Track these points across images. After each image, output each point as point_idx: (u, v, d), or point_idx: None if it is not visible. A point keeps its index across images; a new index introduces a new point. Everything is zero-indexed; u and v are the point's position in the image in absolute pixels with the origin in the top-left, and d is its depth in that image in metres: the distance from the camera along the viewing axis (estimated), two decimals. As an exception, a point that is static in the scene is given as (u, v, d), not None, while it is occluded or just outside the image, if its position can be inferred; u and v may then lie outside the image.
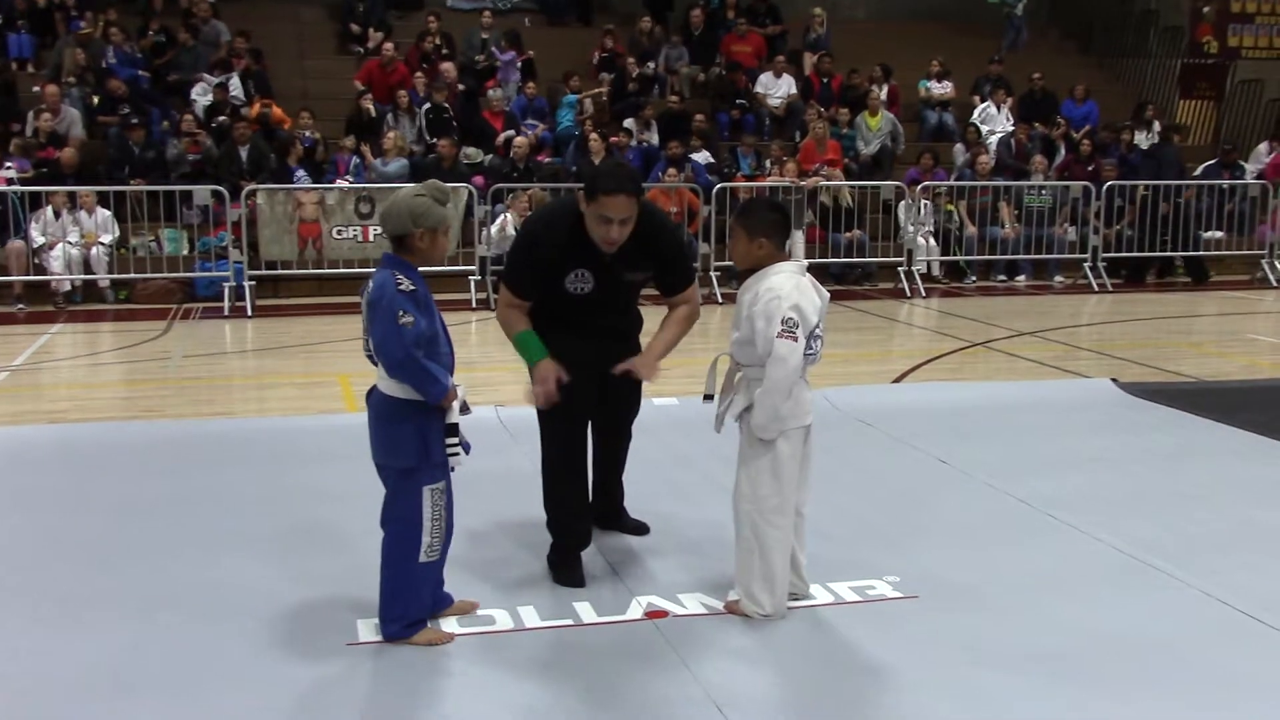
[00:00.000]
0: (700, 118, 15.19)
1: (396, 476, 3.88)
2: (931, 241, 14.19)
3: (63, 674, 3.76)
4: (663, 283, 4.57)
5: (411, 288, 3.75)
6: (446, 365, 3.86)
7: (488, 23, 16.66)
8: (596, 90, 15.66)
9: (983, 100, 16.86)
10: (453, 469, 3.93)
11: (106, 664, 3.82)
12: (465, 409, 3.92)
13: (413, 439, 3.82)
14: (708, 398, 4.46)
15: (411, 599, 3.95)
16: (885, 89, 16.51)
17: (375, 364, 3.87)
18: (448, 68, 15.47)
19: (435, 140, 14.10)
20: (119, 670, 3.78)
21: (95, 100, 14.32)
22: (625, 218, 4.18)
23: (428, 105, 14.73)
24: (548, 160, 14.52)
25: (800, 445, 4.15)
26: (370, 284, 3.80)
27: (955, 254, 14.28)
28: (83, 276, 12.35)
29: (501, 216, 12.68)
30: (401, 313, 3.69)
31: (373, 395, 3.91)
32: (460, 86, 15.42)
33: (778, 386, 3.98)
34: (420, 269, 3.85)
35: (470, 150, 14.33)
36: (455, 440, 3.87)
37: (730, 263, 12.87)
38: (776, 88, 16.47)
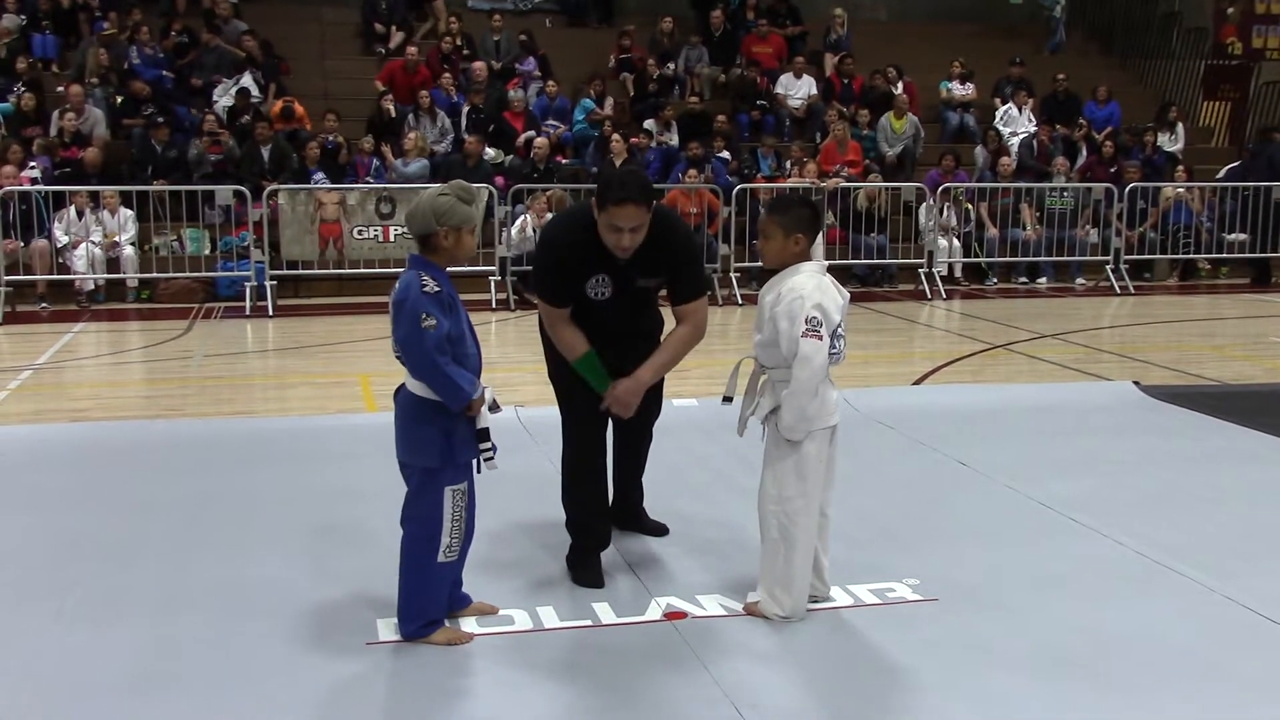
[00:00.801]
0: (721, 118, 15.19)
1: (419, 476, 3.89)
2: (954, 243, 14.16)
3: (84, 672, 3.78)
4: (672, 289, 4.53)
5: (436, 289, 3.75)
6: (473, 366, 3.87)
7: (498, 25, 16.69)
8: (619, 106, 15.69)
9: (1004, 102, 16.80)
10: (479, 471, 3.94)
11: (127, 663, 3.84)
12: (495, 407, 3.93)
13: (437, 439, 3.82)
14: (727, 400, 4.46)
15: (429, 598, 3.96)
16: (900, 86, 16.47)
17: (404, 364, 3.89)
18: (479, 67, 15.52)
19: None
20: (139, 669, 3.79)
21: (119, 100, 14.41)
22: (635, 226, 4.17)
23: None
24: (568, 161, 14.54)
25: (826, 446, 4.15)
26: (396, 285, 3.81)
27: (976, 256, 14.25)
28: (106, 276, 12.42)
29: (521, 218, 12.70)
30: (424, 315, 3.70)
31: (400, 393, 3.92)
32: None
33: (804, 386, 3.97)
34: (445, 269, 3.86)
35: (491, 151, 14.37)
36: (489, 445, 3.88)
37: (751, 264, 12.97)
38: (797, 89, 16.44)
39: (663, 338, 4.58)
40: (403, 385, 3.92)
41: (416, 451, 3.88)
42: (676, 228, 4.55)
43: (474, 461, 3.94)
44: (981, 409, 7.38)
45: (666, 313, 4.72)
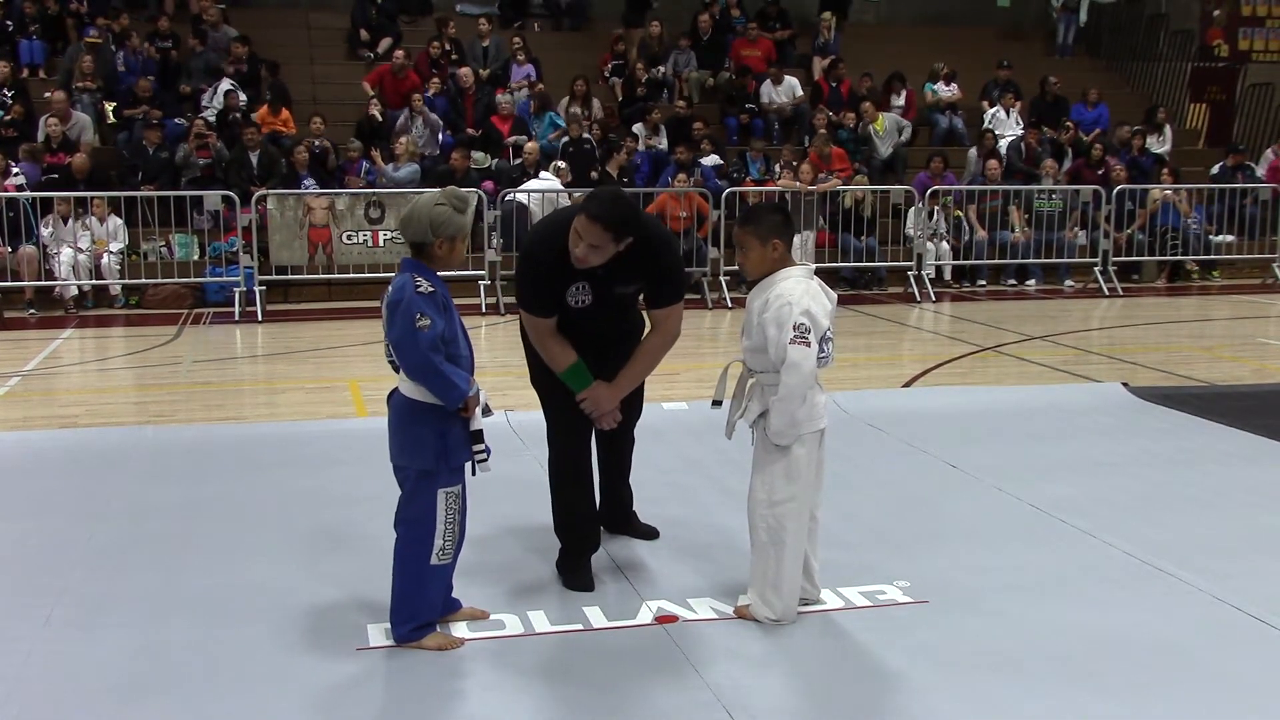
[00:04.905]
0: (699, 125, 15.14)
1: (414, 478, 3.90)
2: (944, 245, 14.18)
3: (74, 678, 3.77)
4: (649, 294, 4.56)
5: (431, 290, 3.77)
6: (465, 366, 3.89)
7: (485, 30, 16.69)
8: (608, 110, 15.73)
9: (991, 105, 16.84)
10: (473, 474, 3.95)
11: (118, 668, 3.83)
12: (487, 410, 3.94)
13: (433, 442, 3.83)
14: (716, 403, 4.47)
15: (422, 601, 3.96)
16: (903, 95, 16.53)
17: (397, 370, 3.90)
18: (465, 72, 15.52)
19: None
20: (130, 675, 3.79)
21: (109, 106, 14.37)
22: (593, 244, 4.17)
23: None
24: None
25: (815, 449, 4.15)
26: (390, 287, 3.82)
27: (965, 259, 14.27)
28: (93, 282, 12.39)
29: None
30: (419, 315, 3.71)
31: (394, 397, 3.93)
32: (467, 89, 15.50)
33: (793, 392, 3.98)
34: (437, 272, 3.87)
35: (478, 155, 14.36)
36: (482, 446, 3.89)
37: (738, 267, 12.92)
38: (779, 94, 16.45)
39: (634, 354, 4.58)
40: (396, 389, 3.92)
41: (412, 454, 3.88)
42: (657, 234, 4.54)
43: (467, 464, 3.94)
44: (971, 411, 7.40)
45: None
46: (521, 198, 13.01)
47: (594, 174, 14.05)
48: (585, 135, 14.46)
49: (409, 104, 14.68)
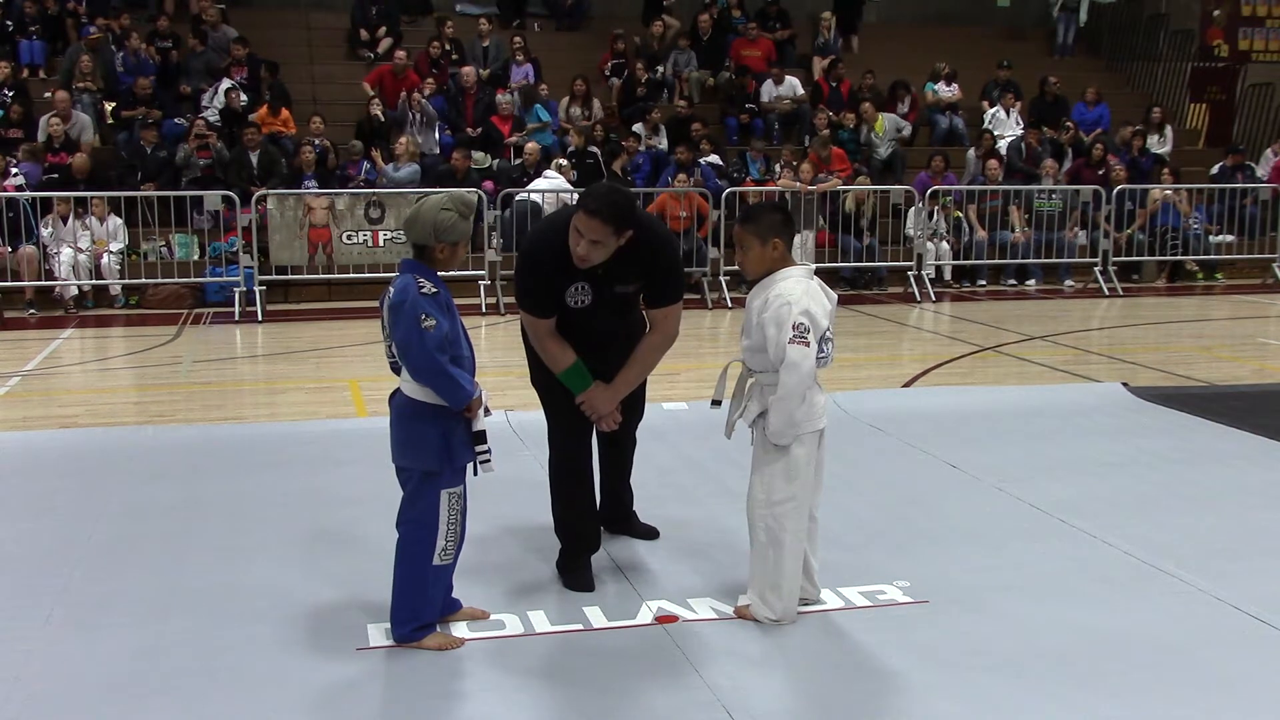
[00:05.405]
0: (698, 126, 15.12)
1: (417, 479, 3.90)
2: (944, 245, 14.17)
3: (75, 677, 3.77)
4: (648, 293, 4.55)
5: (434, 290, 3.78)
6: (467, 367, 3.89)
7: (485, 29, 16.70)
8: (608, 110, 15.72)
9: (991, 105, 16.84)
10: (475, 474, 3.95)
11: (118, 668, 3.83)
12: (486, 411, 3.95)
13: (436, 442, 3.84)
14: (715, 403, 4.47)
15: (423, 601, 3.96)
16: (907, 101, 16.54)
17: (397, 372, 3.90)
18: (467, 71, 15.53)
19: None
20: (130, 674, 3.79)
21: (109, 106, 14.37)
22: (595, 240, 4.17)
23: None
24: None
25: (814, 449, 4.15)
26: (391, 289, 3.82)
27: (965, 259, 14.27)
28: (93, 282, 12.39)
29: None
30: (424, 316, 3.71)
31: (395, 397, 3.93)
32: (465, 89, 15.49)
33: (792, 392, 3.97)
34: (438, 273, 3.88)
35: (478, 155, 14.37)
36: (485, 447, 3.89)
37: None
38: (779, 92, 16.46)
39: (632, 355, 4.57)
40: (398, 390, 3.92)
41: (416, 455, 3.88)
42: (656, 234, 4.54)
43: (469, 465, 3.95)
44: (971, 411, 7.40)
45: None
46: (533, 198, 12.98)
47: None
48: (590, 147, 14.43)
49: (411, 104, 14.68)
